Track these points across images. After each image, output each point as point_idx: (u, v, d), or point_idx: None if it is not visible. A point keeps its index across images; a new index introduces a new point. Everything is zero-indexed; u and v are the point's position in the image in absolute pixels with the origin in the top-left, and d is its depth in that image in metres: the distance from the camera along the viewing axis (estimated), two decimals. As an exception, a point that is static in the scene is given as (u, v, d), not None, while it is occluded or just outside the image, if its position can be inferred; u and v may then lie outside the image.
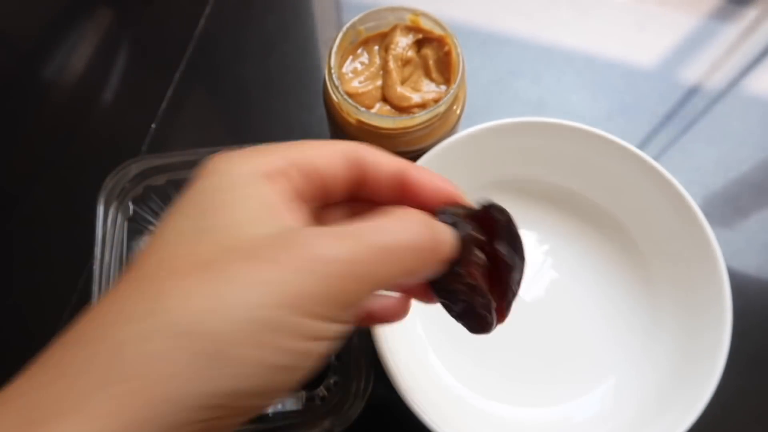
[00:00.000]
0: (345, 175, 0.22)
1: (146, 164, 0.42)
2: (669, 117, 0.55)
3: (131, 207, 0.42)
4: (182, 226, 0.19)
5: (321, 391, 0.40)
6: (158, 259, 0.18)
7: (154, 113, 0.54)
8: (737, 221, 0.51)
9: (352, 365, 0.39)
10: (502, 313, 0.24)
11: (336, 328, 0.19)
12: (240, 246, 0.18)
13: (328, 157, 0.22)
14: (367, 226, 0.19)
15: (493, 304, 0.24)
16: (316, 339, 0.18)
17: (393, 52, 0.42)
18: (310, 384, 0.39)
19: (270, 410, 0.39)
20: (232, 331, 0.16)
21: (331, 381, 0.40)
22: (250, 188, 0.19)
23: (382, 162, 0.23)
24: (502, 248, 0.24)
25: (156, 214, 0.44)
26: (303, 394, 0.40)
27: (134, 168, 0.42)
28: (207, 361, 0.16)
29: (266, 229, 0.18)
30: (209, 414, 0.16)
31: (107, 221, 0.41)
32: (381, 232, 0.19)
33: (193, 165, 0.42)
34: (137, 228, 0.43)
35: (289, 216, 0.20)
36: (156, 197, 0.44)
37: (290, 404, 0.40)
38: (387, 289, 0.21)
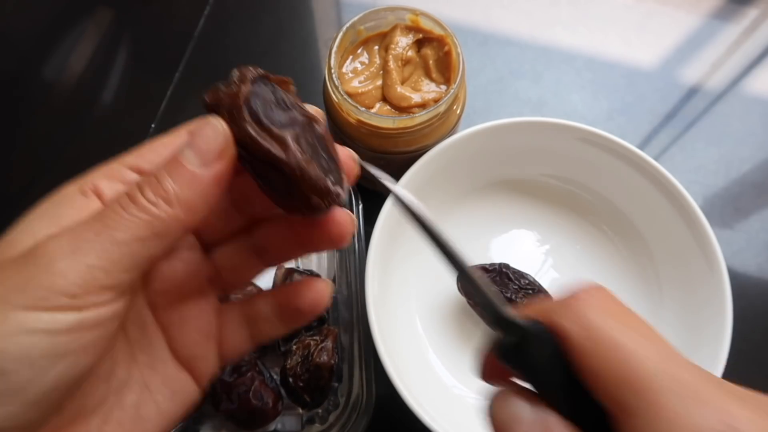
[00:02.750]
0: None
1: None
2: (669, 117, 0.55)
3: None
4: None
5: (321, 411, 0.40)
6: None
7: (154, 113, 0.54)
8: (737, 221, 0.51)
9: (353, 384, 0.39)
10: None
11: (64, 318, 0.18)
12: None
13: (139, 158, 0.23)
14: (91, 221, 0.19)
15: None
16: (31, 332, 0.17)
17: (393, 52, 0.42)
18: (310, 404, 0.39)
19: (270, 429, 0.39)
20: None
21: (331, 402, 0.40)
22: (51, 210, 0.21)
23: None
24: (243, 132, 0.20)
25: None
26: (303, 414, 0.40)
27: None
28: None
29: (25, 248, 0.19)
30: None
31: None
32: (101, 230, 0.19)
33: None
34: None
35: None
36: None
37: (290, 425, 0.40)
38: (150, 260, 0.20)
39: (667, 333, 0.42)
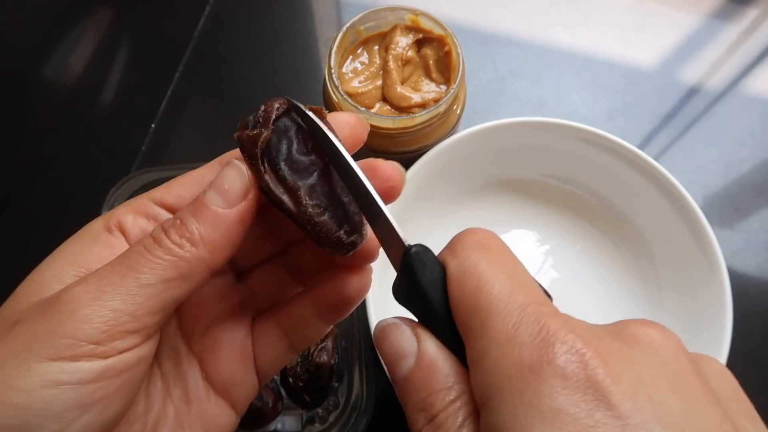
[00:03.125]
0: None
1: (150, 177, 0.42)
2: (669, 117, 0.55)
3: None
4: (19, 289, 0.20)
5: (321, 411, 0.40)
6: None
7: (154, 113, 0.54)
8: (737, 221, 0.51)
9: (353, 384, 0.39)
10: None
11: (89, 367, 0.17)
12: (13, 317, 0.19)
13: (171, 190, 0.23)
14: (104, 270, 0.19)
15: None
16: (55, 385, 0.17)
17: (393, 52, 0.42)
18: (310, 404, 0.39)
19: (270, 429, 0.39)
20: None
21: (331, 402, 0.40)
22: (76, 248, 0.21)
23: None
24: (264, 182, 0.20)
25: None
26: (302, 414, 0.40)
27: (138, 180, 0.42)
28: None
29: (51, 291, 0.19)
30: None
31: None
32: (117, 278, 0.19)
33: None
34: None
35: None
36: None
37: (290, 425, 0.40)
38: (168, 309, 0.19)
39: (667, 333, 0.42)
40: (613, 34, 0.59)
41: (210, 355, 0.23)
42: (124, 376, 0.18)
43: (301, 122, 0.21)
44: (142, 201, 0.22)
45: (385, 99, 0.42)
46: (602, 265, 0.46)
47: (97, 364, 0.17)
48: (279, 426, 0.40)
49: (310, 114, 0.21)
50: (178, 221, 0.20)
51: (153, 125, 0.54)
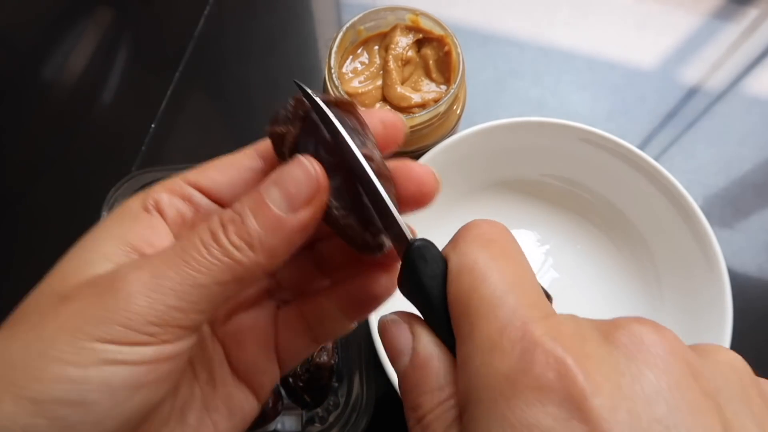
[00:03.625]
0: (238, 186, 0.22)
1: (150, 177, 0.42)
2: (669, 117, 0.55)
3: None
4: (55, 267, 0.20)
5: (321, 411, 0.40)
6: (22, 304, 0.19)
7: (154, 113, 0.54)
8: (737, 221, 0.51)
9: (353, 384, 0.39)
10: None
11: (143, 351, 0.18)
12: (63, 292, 0.19)
13: (217, 174, 0.22)
14: (164, 257, 0.19)
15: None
16: (111, 363, 0.17)
17: (393, 52, 0.42)
18: (310, 404, 0.39)
19: (270, 429, 0.39)
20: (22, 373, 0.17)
21: (331, 402, 0.40)
22: (117, 227, 0.20)
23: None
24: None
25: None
26: (302, 414, 0.40)
27: (138, 181, 0.42)
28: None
29: (105, 268, 0.19)
30: None
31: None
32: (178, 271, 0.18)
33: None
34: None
35: (145, 251, 0.20)
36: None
37: (290, 425, 0.40)
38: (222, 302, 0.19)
39: (667, 333, 0.42)
40: (613, 34, 0.59)
41: (233, 341, 0.23)
42: (172, 362, 0.18)
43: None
44: (177, 182, 0.22)
45: (385, 99, 0.42)
46: (602, 265, 0.46)
47: (150, 349, 0.18)
48: (279, 426, 0.40)
49: (325, 108, 0.20)
50: (238, 218, 0.19)
51: (153, 125, 0.54)
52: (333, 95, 0.20)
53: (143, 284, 0.18)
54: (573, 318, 0.17)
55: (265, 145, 0.22)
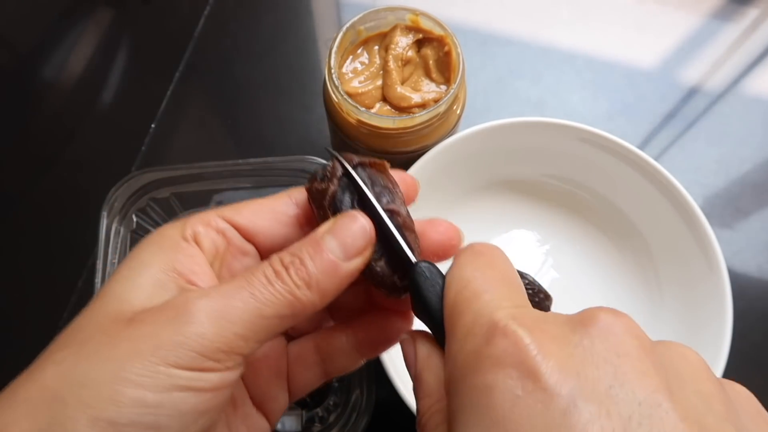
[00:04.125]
0: (282, 230, 0.24)
1: (150, 177, 0.42)
2: (669, 117, 0.55)
3: (134, 219, 0.43)
4: (105, 289, 0.21)
5: (321, 411, 0.40)
6: (77, 323, 0.20)
7: (154, 113, 0.54)
8: (737, 221, 0.51)
9: (353, 384, 0.39)
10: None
11: (210, 378, 0.19)
12: (126, 315, 0.19)
13: (258, 213, 0.23)
14: (235, 287, 0.20)
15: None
16: (183, 389, 0.18)
17: (393, 52, 0.42)
18: (310, 404, 0.39)
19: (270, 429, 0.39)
20: (84, 398, 0.17)
21: (331, 402, 0.40)
22: (161, 253, 0.21)
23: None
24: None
25: (159, 226, 0.45)
26: (302, 414, 0.40)
27: (138, 181, 0.42)
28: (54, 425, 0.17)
29: (154, 300, 0.20)
30: None
31: (110, 234, 0.41)
32: (245, 300, 0.19)
33: (197, 178, 0.42)
34: (140, 240, 0.43)
35: (191, 279, 0.21)
36: (159, 210, 0.44)
37: (289, 425, 0.40)
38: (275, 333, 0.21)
39: (667, 333, 0.42)
40: (613, 34, 0.59)
41: (248, 369, 0.24)
42: (229, 389, 0.20)
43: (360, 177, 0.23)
44: (212, 216, 0.23)
45: (385, 99, 0.42)
46: (602, 265, 0.46)
47: (216, 376, 0.19)
48: (279, 426, 0.40)
49: (351, 171, 0.23)
50: (297, 260, 0.20)
51: (153, 125, 0.54)
52: (367, 159, 0.23)
53: (213, 312, 0.19)
54: (544, 312, 0.19)
55: (299, 193, 0.24)
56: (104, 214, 0.41)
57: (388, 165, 0.23)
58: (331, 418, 0.39)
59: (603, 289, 0.45)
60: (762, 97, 0.57)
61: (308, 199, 0.23)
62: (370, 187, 0.23)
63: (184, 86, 0.56)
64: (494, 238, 0.47)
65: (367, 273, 0.22)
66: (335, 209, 0.22)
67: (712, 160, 0.54)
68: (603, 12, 0.61)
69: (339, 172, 0.23)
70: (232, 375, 0.19)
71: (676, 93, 0.56)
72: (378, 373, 0.38)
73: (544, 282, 0.43)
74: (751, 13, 0.60)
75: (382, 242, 0.22)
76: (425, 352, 0.21)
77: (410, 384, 0.37)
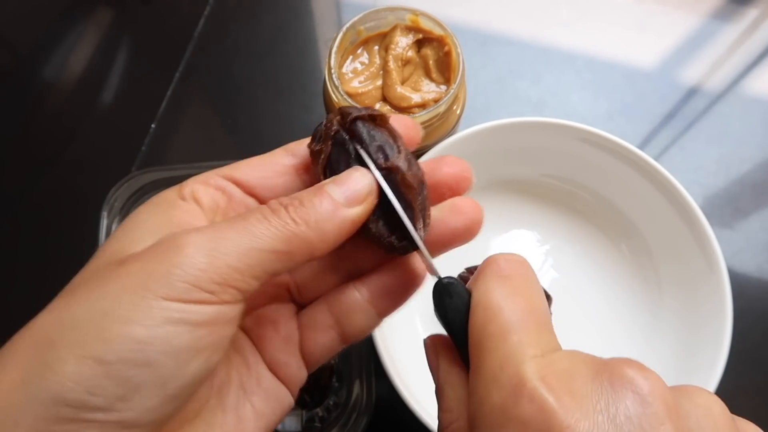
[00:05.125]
0: (282, 180, 0.23)
1: (150, 177, 0.42)
2: (669, 117, 0.55)
3: None
4: (101, 248, 0.21)
5: (321, 411, 0.40)
6: (73, 280, 0.20)
7: (154, 113, 0.54)
8: (737, 221, 0.51)
9: (353, 384, 0.38)
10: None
11: (205, 310, 0.18)
12: (118, 260, 0.19)
13: (258, 169, 0.23)
14: (234, 226, 0.19)
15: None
16: (176, 322, 0.17)
17: (393, 52, 0.42)
18: (310, 404, 0.39)
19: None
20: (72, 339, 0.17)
21: (331, 402, 0.40)
22: (158, 210, 0.21)
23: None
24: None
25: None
26: (302, 414, 0.40)
27: (138, 181, 0.42)
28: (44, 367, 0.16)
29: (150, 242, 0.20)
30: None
31: (110, 233, 0.41)
32: (245, 237, 0.19)
33: None
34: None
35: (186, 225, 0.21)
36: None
37: (290, 425, 0.40)
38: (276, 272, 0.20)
39: (667, 333, 0.42)
40: (613, 34, 0.59)
41: (255, 333, 0.24)
42: (228, 326, 0.19)
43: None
44: (210, 175, 0.23)
45: (385, 99, 0.42)
46: (602, 265, 0.46)
47: (211, 309, 0.18)
48: (279, 426, 0.40)
49: (343, 135, 0.22)
50: (297, 201, 0.20)
51: (153, 125, 0.54)
52: (363, 111, 0.22)
53: (205, 243, 0.18)
54: (570, 355, 0.19)
55: (297, 145, 0.24)
56: (104, 214, 0.41)
57: (388, 117, 0.23)
58: (331, 418, 0.39)
59: (603, 289, 0.45)
60: (762, 97, 0.57)
61: (311, 160, 0.23)
62: (368, 143, 0.22)
63: (184, 86, 0.56)
64: (494, 238, 0.47)
65: (364, 233, 0.22)
66: (332, 172, 0.22)
67: (712, 160, 0.54)
68: (603, 12, 0.61)
69: (334, 130, 0.22)
70: (229, 309, 0.19)
71: (676, 93, 0.56)
72: (378, 372, 0.38)
73: (544, 282, 0.43)
74: (751, 13, 0.60)
75: (380, 202, 0.22)
76: (447, 367, 0.21)
77: (410, 384, 0.37)
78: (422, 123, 0.39)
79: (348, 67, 0.43)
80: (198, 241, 0.18)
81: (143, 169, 0.42)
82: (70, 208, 0.52)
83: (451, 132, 0.43)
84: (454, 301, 0.21)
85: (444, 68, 0.42)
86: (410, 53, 0.42)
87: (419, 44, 0.43)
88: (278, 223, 0.19)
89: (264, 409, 0.23)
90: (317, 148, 0.22)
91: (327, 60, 0.40)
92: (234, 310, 0.19)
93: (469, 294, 0.21)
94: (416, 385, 0.38)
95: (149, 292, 0.17)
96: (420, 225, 0.22)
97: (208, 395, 0.21)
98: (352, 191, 0.21)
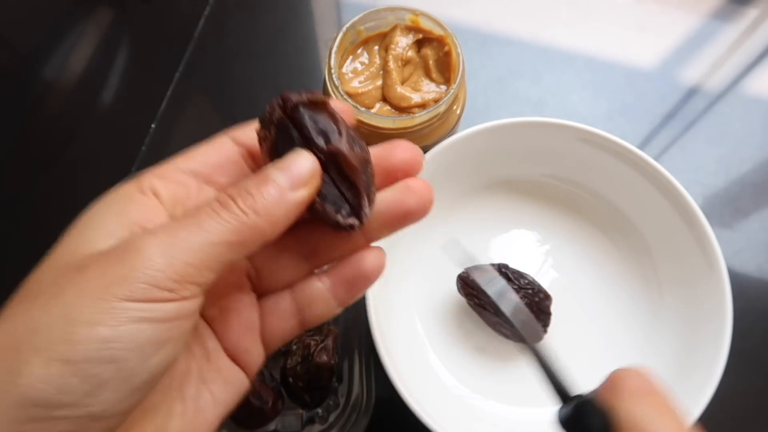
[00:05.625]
0: (234, 158, 0.24)
1: None
2: (669, 117, 0.55)
3: None
4: (57, 244, 0.22)
5: (321, 411, 0.40)
6: (28, 281, 0.21)
7: (154, 113, 0.54)
8: (737, 221, 0.51)
9: (353, 384, 0.39)
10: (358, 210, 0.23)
11: (166, 308, 0.19)
12: (76, 264, 0.20)
13: (210, 152, 0.24)
14: (187, 222, 0.20)
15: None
16: (138, 320, 0.18)
17: (393, 52, 0.42)
18: (310, 404, 0.39)
19: (270, 429, 0.39)
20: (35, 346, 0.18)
21: (331, 402, 0.40)
22: (116, 206, 0.22)
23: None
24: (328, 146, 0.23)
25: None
26: (302, 414, 0.40)
27: None
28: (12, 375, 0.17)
29: (110, 243, 0.21)
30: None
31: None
32: (195, 232, 0.20)
33: None
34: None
35: (146, 227, 0.22)
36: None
37: (290, 425, 0.40)
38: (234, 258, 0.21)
39: (667, 333, 0.42)
40: (613, 34, 0.59)
41: (218, 322, 0.25)
42: (189, 319, 0.20)
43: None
44: (166, 168, 0.24)
45: (385, 99, 0.42)
46: (602, 265, 0.46)
47: (172, 306, 0.19)
48: (279, 426, 0.40)
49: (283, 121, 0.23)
50: (244, 191, 0.21)
51: (153, 125, 0.54)
52: (304, 96, 0.23)
53: (160, 244, 0.19)
54: None
55: (240, 132, 0.25)
56: None
57: (328, 100, 0.23)
58: (331, 418, 0.39)
59: (603, 289, 0.45)
60: (762, 97, 0.57)
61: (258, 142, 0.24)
62: (310, 127, 0.23)
63: (184, 86, 0.56)
64: (494, 238, 0.47)
65: (312, 213, 0.23)
66: (278, 157, 0.23)
67: (712, 160, 0.54)
68: (603, 12, 0.60)
69: (276, 117, 0.23)
70: (189, 304, 0.20)
71: (676, 93, 0.56)
72: (378, 372, 0.38)
73: (544, 282, 0.43)
74: (751, 13, 0.60)
75: (325, 182, 0.23)
76: None
77: (410, 384, 0.37)
78: (422, 123, 0.39)
79: (348, 67, 0.43)
80: (154, 243, 0.19)
81: (143, 169, 0.42)
82: (70, 208, 0.51)
83: (451, 132, 0.43)
84: (593, 422, 0.21)
85: (444, 68, 0.42)
86: (410, 53, 0.42)
87: (419, 44, 0.43)
88: (228, 216, 0.20)
89: (222, 396, 0.24)
90: (262, 134, 0.23)
91: (327, 60, 0.40)
92: (194, 304, 0.20)
93: (603, 413, 0.21)
94: (416, 385, 0.38)
95: (111, 295, 0.18)
96: (365, 203, 0.23)
97: (169, 386, 0.22)
98: (296, 175, 0.22)
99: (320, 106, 0.23)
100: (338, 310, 0.26)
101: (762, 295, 0.49)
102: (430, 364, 0.43)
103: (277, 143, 0.23)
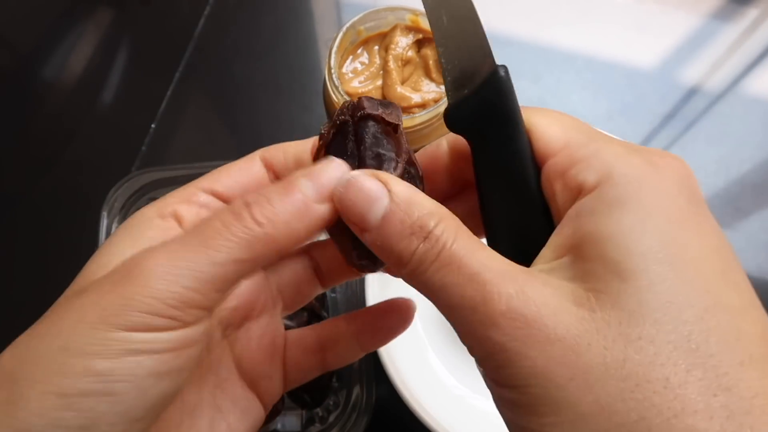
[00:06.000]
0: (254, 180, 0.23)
1: (150, 177, 0.42)
2: (669, 117, 0.55)
3: None
4: (83, 271, 0.21)
5: (321, 411, 0.40)
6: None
7: (154, 113, 0.54)
8: (737, 221, 0.51)
9: (353, 384, 0.39)
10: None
11: (167, 337, 0.18)
12: (78, 289, 0.19)
13: (231, 175, 0.23)
14: (189, 241, 0.19)
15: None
16: (136, 353, 0.17)
17: (393, 52, 0.42)
18: (310, 404, 0.39)
19: (270, 429, 0.39)
20: (37, 372, 0.17)
21: (331, 402, 0.40)
22: (134, 231, 0.21)
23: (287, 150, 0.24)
24: None
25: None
26: (302, 414, 0.40)
27: (138, 181, 0.42)
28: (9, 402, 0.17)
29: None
30: None
31: (110, 233, 0.41)
32: (199, 256, 0.18)
33: (196, 178, 0.42)
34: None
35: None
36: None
37: (290, 425, 0.40)
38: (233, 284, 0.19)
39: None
40: (613, 34, 0.59)
41: (243, 345, 0.24)
42: (193, 347, 0.19)
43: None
44: (191, 190, 0.22)
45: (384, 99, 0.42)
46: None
47: (173, 335, 0.18)
48: (279, 426, 0.40)
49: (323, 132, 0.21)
50: (263, 198, 0.19)
51: (153, 125, 0.54)
52: (379, 109, 0.20)
53: (159, 267, 0.18)
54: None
55: (272, 152, 0.23)
56: (104, 214, 0.41)
57: (401, 124, 0.21)
58: (331, 418, 0.39)
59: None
60: (762, 97, 0.57)
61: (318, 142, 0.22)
62: (368, 146, 0.20)
63: (184, 86, 0.56)
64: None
65: (332, 236, 0.21)
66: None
67: (712, 160, 0.54)
68: (603, 12, 0.61)
69: (341, 119, 0.21)
70: (192, 331, 0.18)
71: (676, 93, 0.56)
72: (378, 372, 0.38)
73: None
74: (751, 13, 0.60)
75: None
76: (403, 183, 0.19)
77: (410, 384, 0.37)
78: (422, 123, 0.39)
79: (348, 67, 0.43)
80: (153, 266, 0.18)
81: (143, 169, 0.42)
82: (70, 208, 0.52)
83: (451, 132, 0.43)
84: (516, 103, 0.21)
85: (444, 68, 0.42)
86: (410, 53, 0.42)
87: (419, 44, 0.43)
88: (239, 230, 0.18)
89: (238, 427, 0.23)
90: (324, 131, 0.21)
91: (327, 60, 0.40)
92: (198, 330, 0.18)
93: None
94: (416, 385, 0.38)
95: (107, 325, 0.17)
96: None
97: (180, 416, 0.21)
98: (326, 185, 0.19)
99: (390, 127, 0.21)
100: (360, 355, 0.25)
101: (762, 295, 0.49)
102: (430, 364, 0.43)
103: (330, 146, 0.20)
